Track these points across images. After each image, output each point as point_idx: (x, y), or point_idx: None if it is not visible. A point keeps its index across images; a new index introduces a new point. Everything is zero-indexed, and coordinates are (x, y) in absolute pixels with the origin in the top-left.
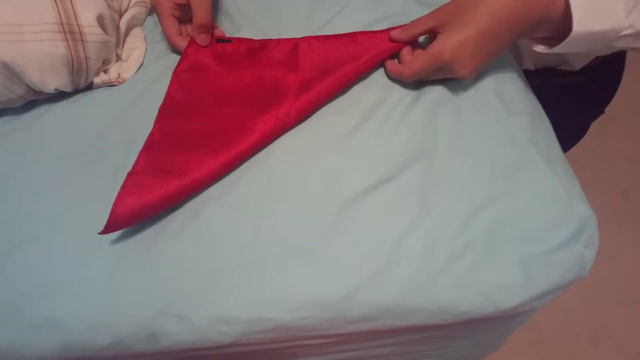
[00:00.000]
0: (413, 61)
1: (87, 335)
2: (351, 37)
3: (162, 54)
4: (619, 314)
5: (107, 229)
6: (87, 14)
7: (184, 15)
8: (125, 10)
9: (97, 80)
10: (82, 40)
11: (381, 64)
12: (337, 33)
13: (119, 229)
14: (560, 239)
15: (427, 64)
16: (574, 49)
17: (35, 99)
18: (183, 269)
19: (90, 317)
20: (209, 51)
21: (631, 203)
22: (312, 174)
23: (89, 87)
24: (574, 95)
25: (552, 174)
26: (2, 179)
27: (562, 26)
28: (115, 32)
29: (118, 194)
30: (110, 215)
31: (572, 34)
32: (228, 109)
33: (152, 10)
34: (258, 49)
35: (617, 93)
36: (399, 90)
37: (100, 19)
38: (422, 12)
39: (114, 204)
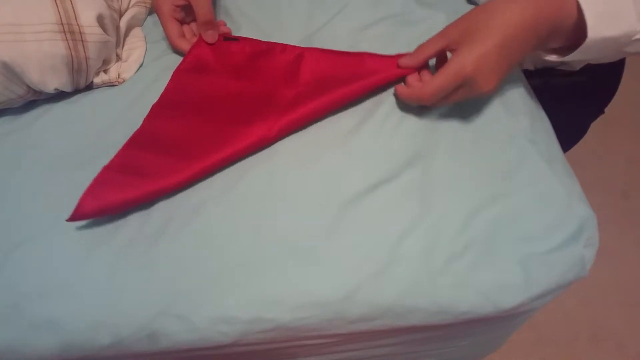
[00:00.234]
0: (432, 80)
1: (87, 335)
2: (359, 57)
3: (162, 54)
4: (619, 314)
5: (72, 218)
6: (87, 14)
7: (186, 17)
8: (125, 10)
9: (97, 80)
10: (82, 40)
11: (384, 87)
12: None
13: (86, 219)
14: (560, 239)
15: (448, 80)
16: (586, 56)
17: (35, 99)
18: (183, 269)
19: (90, 317)
20: (213, 50)
21: (631, 203)
22: (312, 174)
23: (89, 87)
24: (573, 95)
25: (552, 174)
26: (2, 179)
27: (574, 35)
28: (115, 32)
29: (88, 187)
30: (77, 207)
31: (587, 40)
32: (215, 116)
33: (152, 10)
34: (263, 52)
35: (617, 93)
36: None
37: (100, 19)
38: (422, 12)
39: (82, 196)
